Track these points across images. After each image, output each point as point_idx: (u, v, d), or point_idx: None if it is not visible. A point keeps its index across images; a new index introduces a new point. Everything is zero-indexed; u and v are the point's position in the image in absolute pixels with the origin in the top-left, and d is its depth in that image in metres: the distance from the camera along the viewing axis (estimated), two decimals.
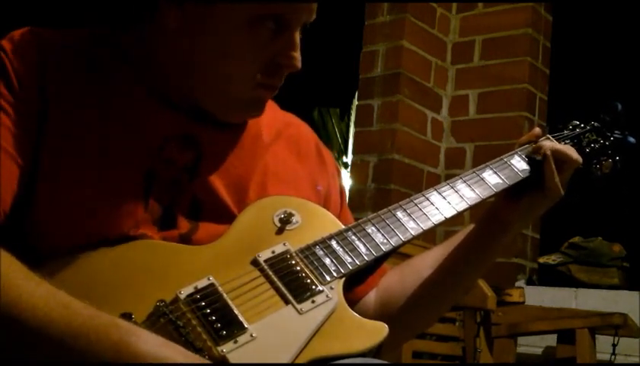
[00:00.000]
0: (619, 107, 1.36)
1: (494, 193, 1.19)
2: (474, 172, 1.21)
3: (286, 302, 0.97)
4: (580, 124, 1.34)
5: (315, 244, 1.05)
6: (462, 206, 1.16)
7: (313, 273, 1.01)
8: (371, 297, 1.22)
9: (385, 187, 3.56)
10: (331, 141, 5.10)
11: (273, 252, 1.02)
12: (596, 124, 1.34)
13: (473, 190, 1.18)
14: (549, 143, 1.22)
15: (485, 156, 1.26)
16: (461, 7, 3.90)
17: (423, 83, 3.74)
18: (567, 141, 1.29)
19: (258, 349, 0.90)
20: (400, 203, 1.14)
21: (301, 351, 0.92)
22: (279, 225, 1.06)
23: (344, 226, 1.10)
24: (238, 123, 1.12)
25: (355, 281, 1.12)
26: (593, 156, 1.32)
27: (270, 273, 0.99)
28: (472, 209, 1.19)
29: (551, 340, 3.13)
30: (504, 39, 3.74)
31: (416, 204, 1.14)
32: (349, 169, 4.00)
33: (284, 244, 1.03)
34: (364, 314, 1.03)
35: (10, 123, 0.96)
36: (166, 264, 0.97)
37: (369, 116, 3.69)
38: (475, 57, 3.82)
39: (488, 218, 1.22)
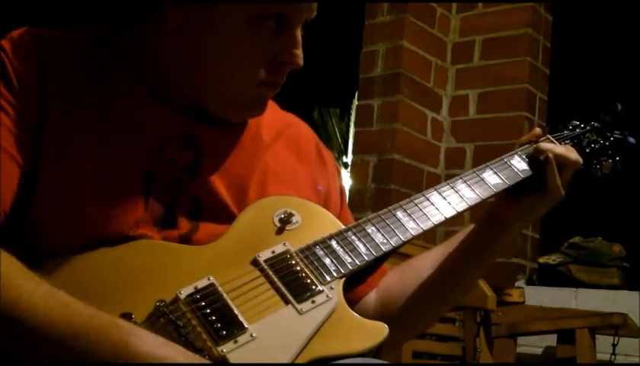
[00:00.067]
0: (619, 107, 1.36)
1: (494, 193, 1.19)
2: (474, 172, 1.21)
3: (286, 302, 0.97)
4: (580, 124, 1.34)
5: (315, 244, 1.05)
6: (462, 206, 1.16)
7: (313, 273, 1.01)
8: (371, 297, 1.22)
9: (385, 187, 3.56)
10: (331, 141, 5.10)
11: (273, 252, 1.02)
12: (596, 124, 1.34)
13: (473, 190, 1.18)
14: (551, 145, 1.22)
15: (485, 156, 1.26)
16: (461, 7, 3.90)
17: (423, 83, 3.74)
18: (567, 141, 1.29)
19: (258, 349, 0.90)
20: (400, 203, 1.14)
21: (301, 351, 0.92)
22: (279, 225, 1.06)
23: (343, 226, 1.10)
24: (238, 123, 1.12)
25: (355, 281, 1.12)
26: (593, 156, 1.32)
27: (270, 273, 0.99)
28: (472, 209, 1.19)
29: (551, 340, 3.13)
30: (503, 39, 3.74)
31: (416, 204, 1.14)
32: (349, 169, 4.00)
33: (284, 244, 1.03)
34: (364, 314, 1.03)
35: (10, 123, 0.96)
36: (166, 264, 0.97)
37: (369, 116, 3.69)
38: (475, 57, 3.82)
39: (488, 218, 1.22)
